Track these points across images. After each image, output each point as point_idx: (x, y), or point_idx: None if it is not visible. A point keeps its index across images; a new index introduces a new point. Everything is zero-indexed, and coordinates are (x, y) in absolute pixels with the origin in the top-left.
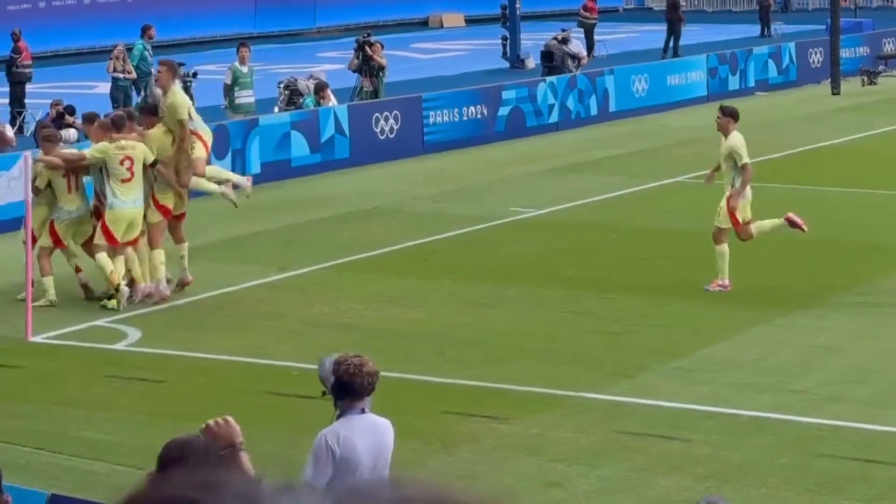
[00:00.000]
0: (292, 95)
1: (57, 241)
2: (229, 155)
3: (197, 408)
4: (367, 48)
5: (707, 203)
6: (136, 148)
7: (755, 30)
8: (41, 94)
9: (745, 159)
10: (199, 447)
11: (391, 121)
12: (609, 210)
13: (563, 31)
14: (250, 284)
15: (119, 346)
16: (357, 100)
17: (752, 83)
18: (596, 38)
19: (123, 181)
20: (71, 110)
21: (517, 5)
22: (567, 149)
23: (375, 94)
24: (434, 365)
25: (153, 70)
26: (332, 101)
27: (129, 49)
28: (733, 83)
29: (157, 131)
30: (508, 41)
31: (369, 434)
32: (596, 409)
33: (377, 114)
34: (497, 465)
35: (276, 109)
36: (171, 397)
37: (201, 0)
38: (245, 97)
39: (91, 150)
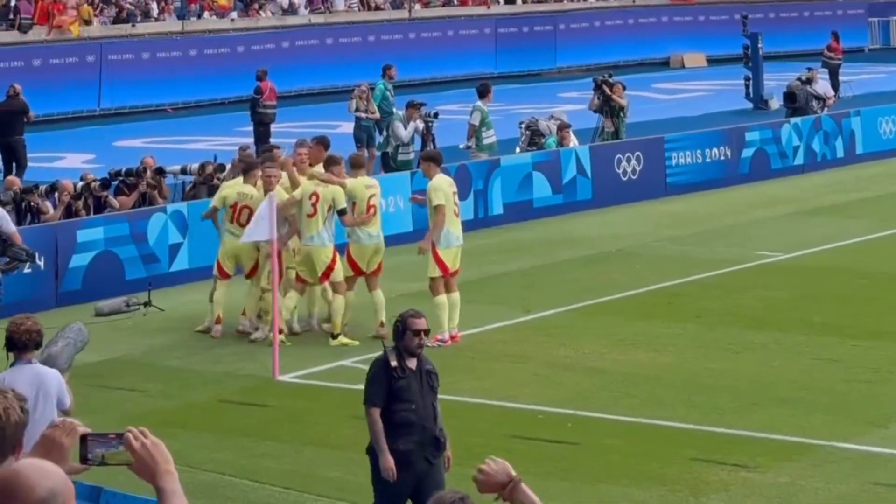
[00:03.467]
0: (533, 136)
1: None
2: (471, 195)
3: None
4: (606, 88)
5: None
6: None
7: None
8: (286, 134)
9: (438, 201)
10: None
11: (633, 162)
12: (857, 255)
13: (809, 70)
14: (495, 326)
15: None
16: (598, 140)
17: None
18: (841, 78)
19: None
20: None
21: (759, 45)
22: (813, 192)
23: (616, 134)
24: (682, 411)
25: (395, 109)
26: (574, 141)
27: (371, 89)
28: None
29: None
30: (751, 81)
31: (31, 380)
32: (848, 459)
33: (619, 155)
34: None
35: (518, 150)
36: None
37: (442, 40)
38: (490, 137)
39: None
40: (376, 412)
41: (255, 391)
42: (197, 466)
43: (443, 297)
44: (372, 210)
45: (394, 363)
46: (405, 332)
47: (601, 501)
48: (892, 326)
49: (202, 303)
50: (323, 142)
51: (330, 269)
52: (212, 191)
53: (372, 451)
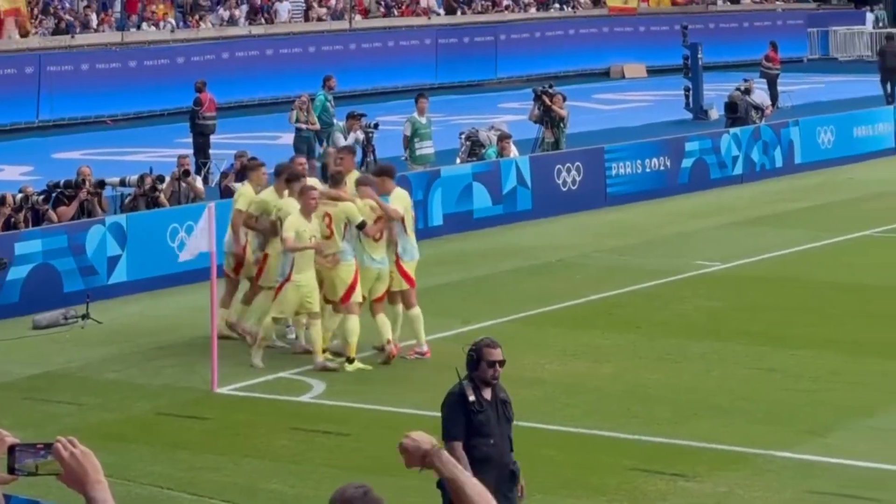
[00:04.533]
0: (474, 146)
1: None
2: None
3: (383, 462)
4: (546, 98)
5: None
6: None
7: None
8: (226, 145)
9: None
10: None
11: (573, 172)
12: (796, 264)
13: (746, 81)
14: (434, 337)
15: (304, 398)
16: (539, 151)
17: None
18: (779, 88)
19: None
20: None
21: (699, 56)
22: (752, 201)
23: (557, 145)
24: (621, 421)
25: (335, 120)
26: (514, 152)
27: (312, 100)
28: None
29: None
30: (691, 92)
31: None
32: (786, 469)
33: (559, 165)
34: None
35: (458, 160)
36: (357, 451)
37: (383, 51)
38: (425, 148)
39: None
40: (459, 446)
41: (194, 404)
42: (134, 480)
43: (417, 310)
44: (379, 234)
45: (471, 397)
46: (479, 363)
47: None
48: (830, 335)
49: (141, 315)
50: (353, 151)
51: (352, 287)
52: (151, 203)
53: (442, 484)
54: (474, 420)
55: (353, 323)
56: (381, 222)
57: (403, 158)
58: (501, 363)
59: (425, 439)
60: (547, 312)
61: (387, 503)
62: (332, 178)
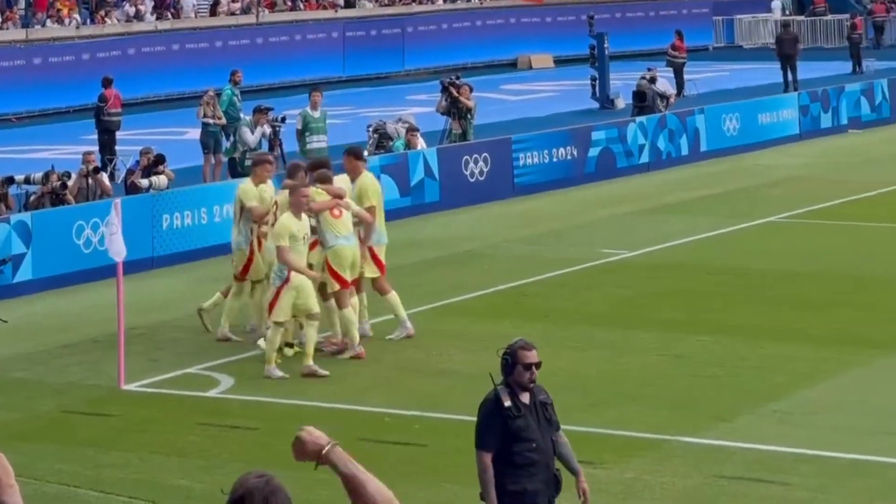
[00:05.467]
0: (381, 139)
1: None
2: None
3: (290, 456)
4: (453, 90)
5: (802, 242)
6: None
7: (847, 67)
8: (132, 141)
9: (371, 202)
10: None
11: (481, 163)
12: (702, 251)
13: (649, 70)
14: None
15: (212, 393)
16: (446, 142)
17: (844, 121)
18: (686, 77)
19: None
20: (161, 159)
21: (606, 45)
22: (658, 189)
23: (464, 136)
24: None
25: (242, 115)
26: (422, 143)
27: (218, 94)
28: (825, 121)
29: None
30: (598, 81)
31: None
32: (693, 454)
33: (466, 156)
34: None
35: (366, 153)
36: (265, 445)
37: (290, 44)
38: (316, 143)
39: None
40: (488, 457)
41: (101, 401)
42: (41, 478)
43: (394, 295)
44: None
45: (507, 402)
46: (515, 367)
47: (450, 502)
48: (737, 321)
49: (47, 313)
50: (353, 152)
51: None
52: (56, 200)
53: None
54: (512, 426)
55: (349, 314)
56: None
57: (298, 153)
58: (538, 365)
59: (324, 436)
60: (456, 303)
61: (288, 492)
62: (319, 179)
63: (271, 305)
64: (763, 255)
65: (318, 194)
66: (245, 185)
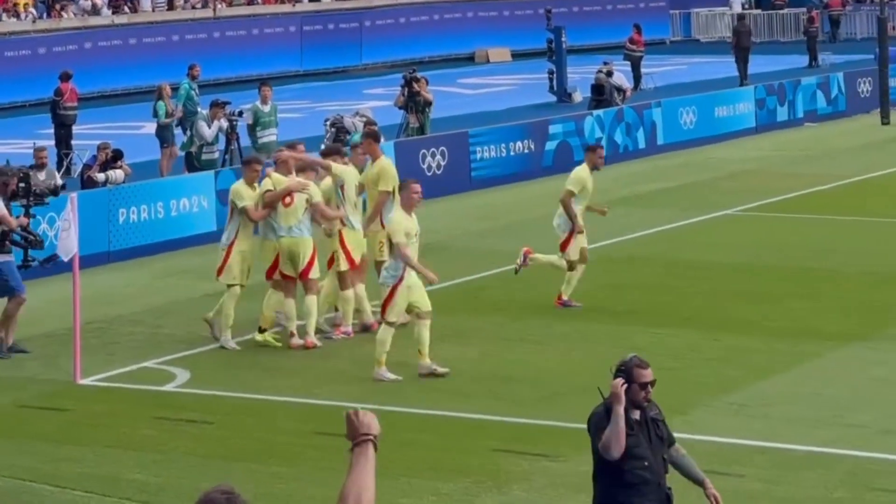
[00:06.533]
0: (339, 133)
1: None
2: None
3: (246, 450)
4: (415, 84)
5: (757, 235)
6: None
7: (803, 60)
8: (89, 135)
9: (386, 187)
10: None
11: (438, 157)
12: (659, 244)
13: (606, 63)
14: (299, 324)
15: (168, 387)
16: (403, 136)
17: (800, 114)
18: (643, 70)
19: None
20: (119, 155)
21: (563, 39)
22: (615, 182)
23: (422, 130)
24: (486, 402)
25: (199, 109)
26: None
27: (175, 89)
28: (782, 114)
29: None
30: (555, 75)
31: None
32: None
33: (424, 150)
34: (549, 502)
35: (323, 147)
36: (221, 439)
37: (247, 38)
38: (267, 136)
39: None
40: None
41: (56, 396)
42: None
43: (357, 288)
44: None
45: None
46: (630, 385)
47: (405, 495)
48: (692, 313)
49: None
50: (373, 135)
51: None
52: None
53: (599, 476)
54: (626, 443)
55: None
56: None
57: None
58: (653, 384)
59: (374, 425)
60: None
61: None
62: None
63: (386, 304)
64: (719, 248)
65: (278, 182)
66: (237, 185)
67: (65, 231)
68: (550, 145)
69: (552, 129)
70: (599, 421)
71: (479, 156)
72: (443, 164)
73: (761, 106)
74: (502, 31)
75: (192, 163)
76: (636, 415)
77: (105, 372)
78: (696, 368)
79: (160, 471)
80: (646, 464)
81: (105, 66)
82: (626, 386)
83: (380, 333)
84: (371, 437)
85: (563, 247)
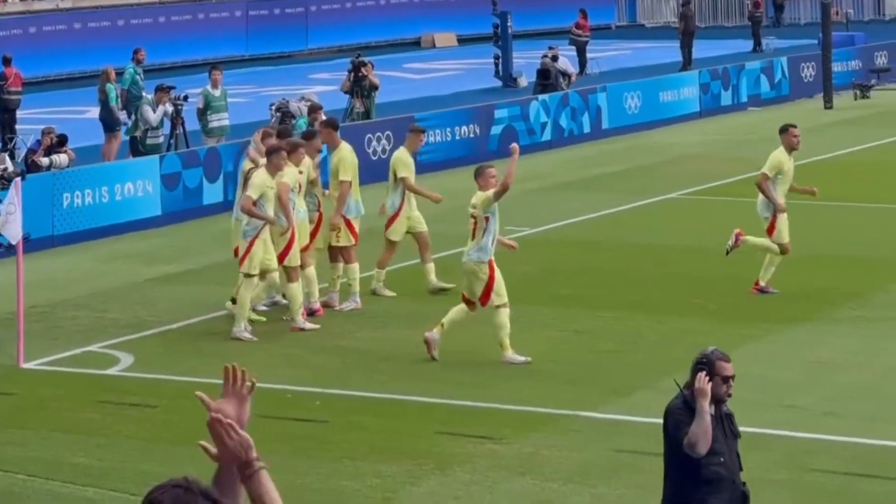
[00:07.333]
0: (284, 117)
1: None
2: (221, 178)
3: (190, 433)
4: (362, 69)
5: (701, 219)
6: None
7: (747, 45)
8: (33, 120)
9: (345, 177)
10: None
11: (384, 141)
12: (603, 227)
13: (551, 48)
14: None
15: (112, 371)
16: (349, 121)
17: (744, 98)
18: (588, 55)
19: None
20: (64, 139)
21: (509, 24)
22: (560, 167)
23: (367, 114)
24: (430, 386)
25: (144, 93)
26: None
27: (120, 73)
28: (726, 98)
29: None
30: (501, 60)
31: None
32: (592, 428)
33: (370, 134)
34: (491, 485)
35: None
36: (165, 422)
37: (193, 23)
38: (217, 121)
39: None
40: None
41: (0, 380)
42: None
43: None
44: None
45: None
46: (712, 379)
47: (349, 478)
48: (636, 297)
49: None
50: (331, 123)
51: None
52: None
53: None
54: None
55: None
56: None
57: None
58: (734, 377)
59: (252, 449)
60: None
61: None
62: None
63: (488, 290)
64: (663, 232)
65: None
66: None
67: (10, 214)
68: (496, 130)
69: (497, 113)
70: (679, 415)
71: (424, 140)
72: (388, 148)
73: (706, 91)
74: (448, 16)
75: (137, 147)
76: (711, 409)
77: (49, 356)
78: (639, 351)
79: (104, 454)
80: (721, 460)
81: (49, 50)
82: (709, 380)
83: (500, 317)
84: (265, 466)
85: (770, 231)
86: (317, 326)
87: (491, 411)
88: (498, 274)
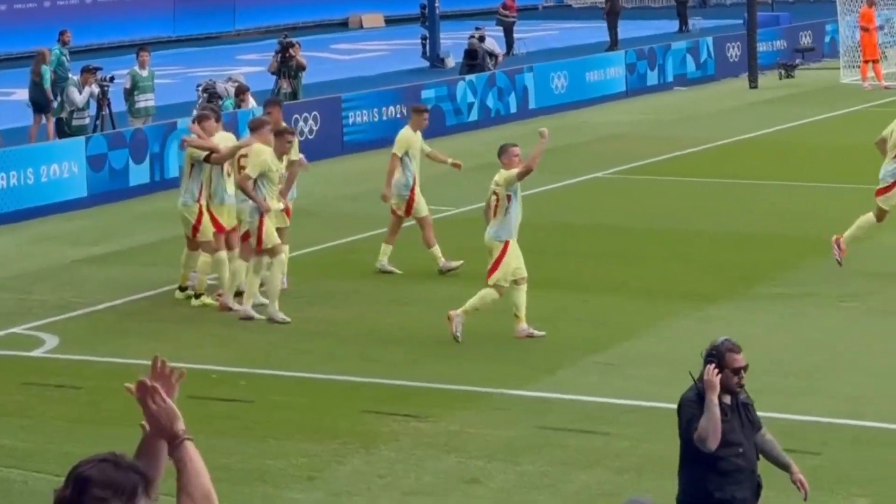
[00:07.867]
0: (211, 98)
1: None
2: (147, 159)
3: (115, 414)
4: (290, 49)
5: (627, 198)
6: None
7: (673, 25)
8: None
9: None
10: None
11: (311, 122)
12: (529, 207)
13: (478, 29)
14: (169, 289)
15: (36, 352)
16: None
17: (670, 78)
18: (515, 36)
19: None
20: None
21: (436, 4)
22: (487, 147)
23: (294, 95)
24: (356, 365)
25: (70, 75)
26: (252, 103)
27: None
28: (652, 78)
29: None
30: (428, 40)
31: None
32: (516, 406)
33: (296, 115)
34: (417, 463)
35: (195, 113)
36: (90, 404)
37: (119, 4)
38: (144, 101)
39: None
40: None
41: None
42: None
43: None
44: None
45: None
46: (722, 371)
47: (274, 457)
48: (562, 275)
49: None
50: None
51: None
52: None
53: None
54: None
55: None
56: None
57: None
58: (746, 368)
59: (180, 420)
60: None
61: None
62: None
63: (494, 267)
64: (589, 211)
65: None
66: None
67: None
68: None
69: (425, 93)
70: (691, 408)
71: (351, 120)
72: (315, 128)
73: (632, 70)
74: None
75: (63, 129)
76: (727, 399)
77: None
78: (564, 329)
79: (27, 436)
80: (740, 450)
81: None
82: (719, 373)
83: (485, 293)
84: (191, 437)
85: (881, 192)
86: (244, 309)
87: (417, 390)
88: (511, 255)
